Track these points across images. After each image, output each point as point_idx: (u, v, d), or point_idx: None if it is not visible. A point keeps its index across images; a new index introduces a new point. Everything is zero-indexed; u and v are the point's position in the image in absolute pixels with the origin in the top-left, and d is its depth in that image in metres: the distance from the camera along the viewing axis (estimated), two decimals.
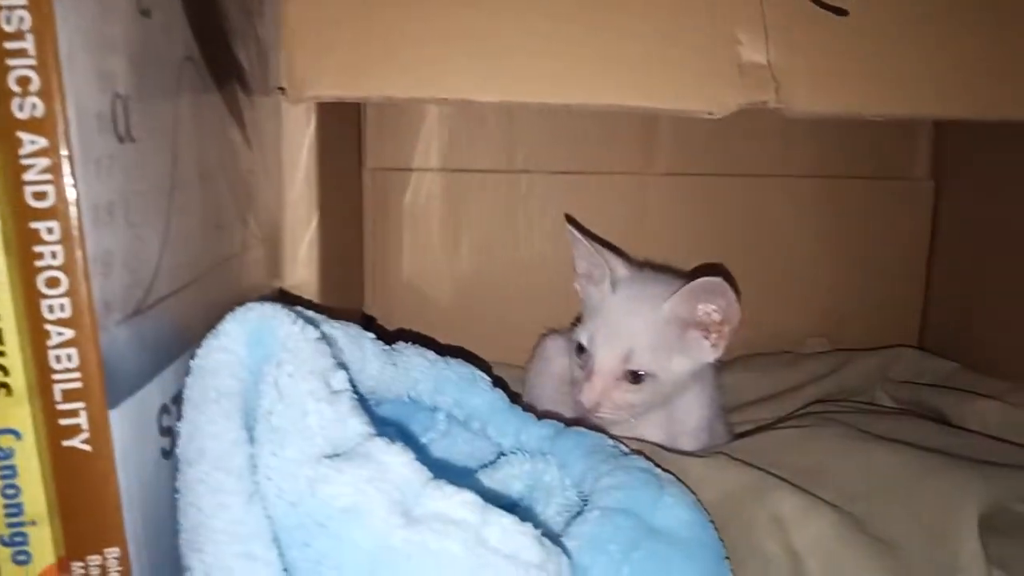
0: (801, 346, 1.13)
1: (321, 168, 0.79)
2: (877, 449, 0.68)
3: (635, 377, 0.76)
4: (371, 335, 0.66)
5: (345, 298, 1.02)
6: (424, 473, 0.45)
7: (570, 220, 0.87)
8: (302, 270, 0.83)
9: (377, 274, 1.11)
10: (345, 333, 0.63)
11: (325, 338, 0.59)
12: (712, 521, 0.60)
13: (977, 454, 0.72)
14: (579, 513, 0.61)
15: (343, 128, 0.99)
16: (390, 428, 0.68)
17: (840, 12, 0.66)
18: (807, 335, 1.13)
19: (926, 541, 0.58)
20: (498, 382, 0.73)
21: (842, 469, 0.67)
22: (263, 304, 0.53)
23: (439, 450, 0.70)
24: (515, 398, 0.75)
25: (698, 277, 0.74)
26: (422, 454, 0.68)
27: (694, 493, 0.64)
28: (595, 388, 0.76)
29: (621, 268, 0.83)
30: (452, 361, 0.71)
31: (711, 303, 0.75)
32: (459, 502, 0.43)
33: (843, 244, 1.11)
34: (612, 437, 0.78)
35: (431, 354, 0.71)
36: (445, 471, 0.67)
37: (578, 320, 0.87)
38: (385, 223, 1.09)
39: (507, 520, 0.43)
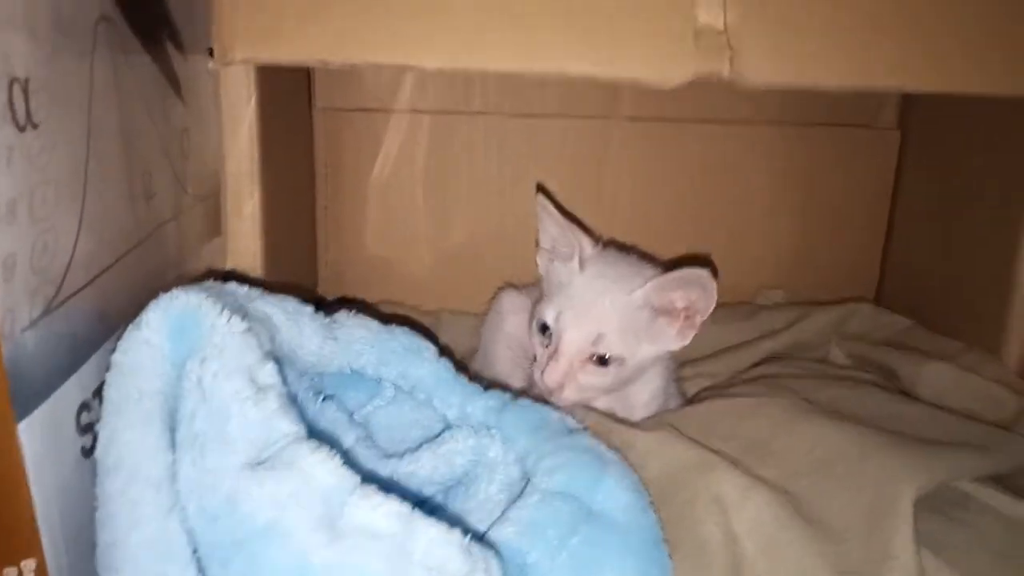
0: (757, 297, 1.12)
1: (264, 118, 0.75)
2: (823, 425, 0.68)
3: (602, 360, 0.74)
4: (310, 309, 0.64)
5: (296, 254, 0.99)
6: (350, 480, 0.44)
7: (542, 191, 0.83)
8: (246, 227, 0.80)
9: (330, 221, 1.08)
10: (282, 309, 0.61)
11: (259, 318, 0.58)
12: (652, 501, 0.60)
13: (923, 426, 0.72)
14: (521, 493, 0.61)
15: (291, 77, 0.94)
16: (330, 403, 0.67)
17: None
18: (763, 286, 1.12)
19: (863, 525, 0.59)
20: (445, 351, 0.72)
21: (787, 445, 0.67)
22: (188, 292, 0.51)
23: (385, 416, 0.70)
24: (467, 369, 0.74)
25: (672, 266, 0.73)
26: (367, 421, 0.70)
27: (638, 469, 0.64)
28: (559, 369, 0.75)
29: (588, 246, 0.81)
30: (396, 331, 0.70)
31: (691, 293, 0.73)
32: (384, 513, 0.42)
33: (804, 193, 1.09)
34: (559, 408, 0.79)
35: (374, 324, 0.69)
36: (390, 438, 0.69)
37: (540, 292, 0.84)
38: (338, 168, 1.06)
39: (433, 531, 0.42)
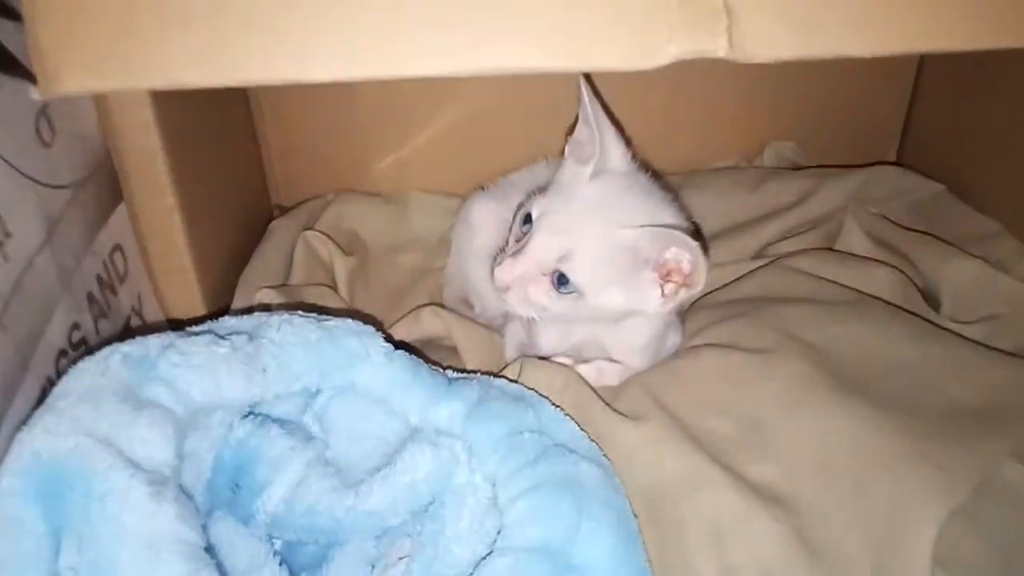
0: (766, 150, 0.98)
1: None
2: (830, 412, 0.60)
3: (561, 281, 0.64)
4: (224, 349, 0.54)
5: (232, 196, 0.86)
6: None
7: (588, 79, 0.68)
8: (161, 201, 0.68)
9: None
10: (189, 366, 0.52)
11: (159, 402, 0.49)
12: (637, 516, 0.55)
13: (945, 380, 0.64)
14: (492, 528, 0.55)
15: None
16: (277, 430, 0.59)
17: None
18: (772, 138, 0.98)
19: (873, 559, 0.53)
20: (400, 345, 0.63)
21: (789, 433, 0.60)
22: (65, 437, 0.41)
23: (343, 422, 0.62)
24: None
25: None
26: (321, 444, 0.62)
27: (622, 472, 0.58)
28: (515, 269, 0.65)
29: (616, 159, 0.68)
30: (338, 334, 0.60)
31: (683, 255, 0.61)
32: None
33: None
34: (543, 359, 0.71)
35: (313, 333, 0.59)
36: (348, 452, 0.62)
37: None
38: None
39: None
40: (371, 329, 0.62)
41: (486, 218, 0.81)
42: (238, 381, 0.54)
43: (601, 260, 0.63)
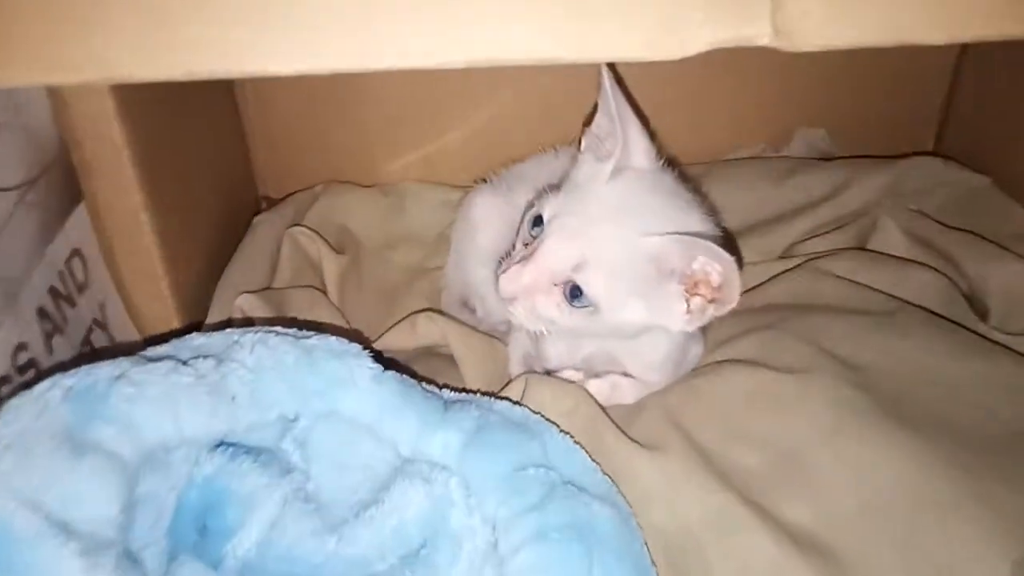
0: (794, 137, 0.91)
1: None
2: (877, 444, 0.53)
3: (574, 294, 0.57)
4: (187, 378, 0.48)
5: (211, 191, 0.79)
6: None
7: (611, 68, 0.60)
8: (126, 200, 0.61)
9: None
10: (144, 398, 0.45)
11: (104, 449, 0.42)
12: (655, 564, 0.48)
13: (998, 402, 0.57)
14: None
15: None
16: (249, 461, 0.52)
17: None
18: (800, 125, 0.90)
19: None
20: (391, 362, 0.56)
21: (829, 470, 0.54)
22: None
23: (324, 452, 0.56)
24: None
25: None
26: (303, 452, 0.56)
27: (639, 511, 0.52)
28: (520, 279, 0.57)
29: (639, 155, 0.60)
30: (319, 356, 0.53)
31: (713, 266, 0.54)
32: None
33: None
34: (550, 372, 0.64)
35: (290, 355, 0.53)
36: (331, 486, 0.56)
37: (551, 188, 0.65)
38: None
39: None
40: (356, 348, 0.55)
41: (489, 215, 0.74)
42: (201, 414, 0.48)
43: (620, 271, 0.56)
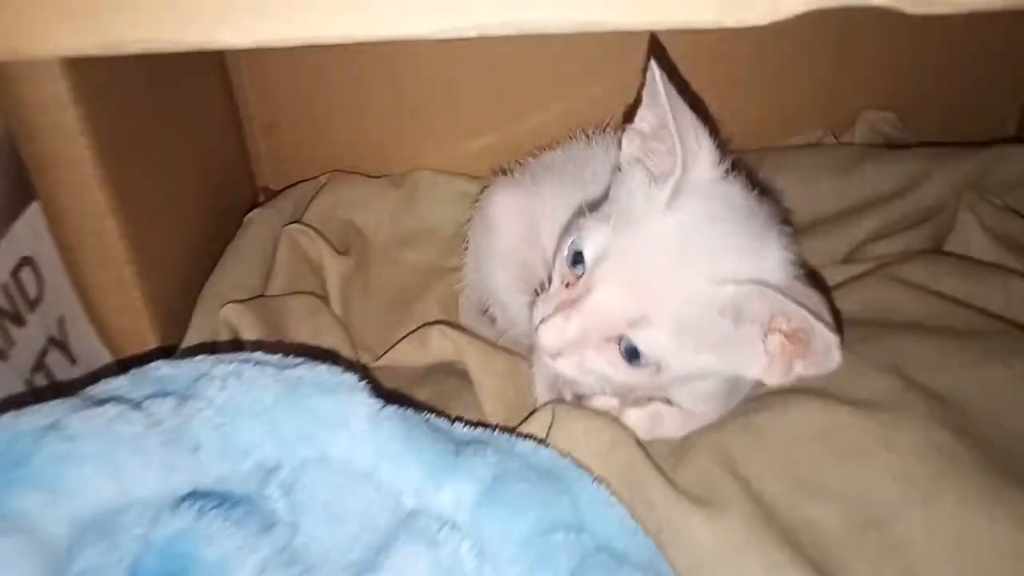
0: (858, 122, 0.80)
1: None
2: (981, 504, 0.44)
3: (632, 352, 0.48)
4: (135, 425, 0.39)
5: (198, 184, 0.70)
6: None
7: (660, 60, 0.49)
8: (89, 199, 0.52)
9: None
10: (83, 458, 0.36)
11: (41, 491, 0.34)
12: None
13: None
14: None
15: None
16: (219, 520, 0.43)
17: None
18: (865, 107, 0.80)
19: None
20: (392, 397, 0.47)
21: (923, 536, 0.44)
22: None
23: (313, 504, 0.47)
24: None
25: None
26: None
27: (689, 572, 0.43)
28: (567, 331, 0.48)
29: (702, 166, 0.49)
30: (305, 392, 0.45)
31: (805, 329, 0.45)
32: None
33: None
34: (581, 397, 0.55)
35: (268, 392, 0.44)
36: (322, 540, 0.47)
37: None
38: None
39: None
40: (351, 380, 0.46)
41: (510, 214, 0.65)
42: (154, 470, 0.39)
43: (688, 325, 0.46)
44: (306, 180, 0.79)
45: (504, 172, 0.69)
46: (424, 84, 0.78)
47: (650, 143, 0.50)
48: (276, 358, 0.47)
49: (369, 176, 0.80)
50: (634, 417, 0.54)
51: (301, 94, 0.78)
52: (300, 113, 0.79)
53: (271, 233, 0.71)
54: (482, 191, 0.69)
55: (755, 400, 0.55)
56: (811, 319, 0.43)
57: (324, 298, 0.69)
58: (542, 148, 0.70)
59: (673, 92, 0.47)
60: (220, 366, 0.44)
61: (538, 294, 0.53)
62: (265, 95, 0.78)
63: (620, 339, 0.48)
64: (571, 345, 0.49)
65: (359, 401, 0.45)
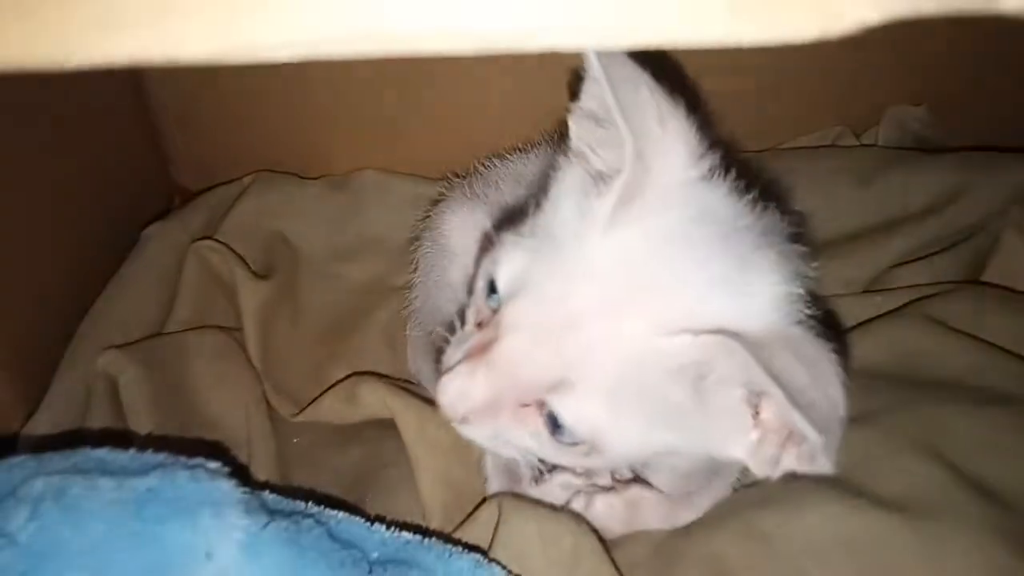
0: (886, 118, 0.69)
1: None
2: None
3: (554, 421, 0.36)
4: None
5: (89, 192, 0.57)
6: None
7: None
8: None
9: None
10: None
11: None
12: None
13: None
14: None
15: None
16: None
17: None
18: (892, 101, 0.69)
19: None
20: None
21: None
22: None
23: None
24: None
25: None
26: None
27: None
28: (471, 391, 0.36)
29: (675, 162, 0.36)
30: (151, 515, 0.33)
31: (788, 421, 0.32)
32: None
33: None
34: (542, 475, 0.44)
35: (98, 522, 0.33)
36: None
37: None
38: None
39: None
40: (224, 488, 0.35)
41: (467, 235, 0.53)
42: None
43: (628, 394, 0.34)
44: (229, 182, 0.67)
45: (460, 176, 0.58)
46: (371, 67, 0.66)
47: (598, 131, 0.37)
48: (125, 457, 0.35)
49: (303, 177, 0.68)
50: (605, 508, 0.43)
51: (219, 78, 0.65)
52: (219, 101, 0.67)
53: (174, 252, 0.59)
54: (433, 206, 0.57)
55: (756, 488, 0.43)
56: (787, 406, 0.30)
57: (239, 331, 0.57)
58: (502, 143, 0.59)
59: (621, 56, 0.35)
60: (38, 481, 0.33)
61: (453, 334, 0.41)
62: (178, 86, 0.65)
63: (542, 406, 0.36)
64: (479, 410, 0.36)
65: (230, 523, 0.34)
